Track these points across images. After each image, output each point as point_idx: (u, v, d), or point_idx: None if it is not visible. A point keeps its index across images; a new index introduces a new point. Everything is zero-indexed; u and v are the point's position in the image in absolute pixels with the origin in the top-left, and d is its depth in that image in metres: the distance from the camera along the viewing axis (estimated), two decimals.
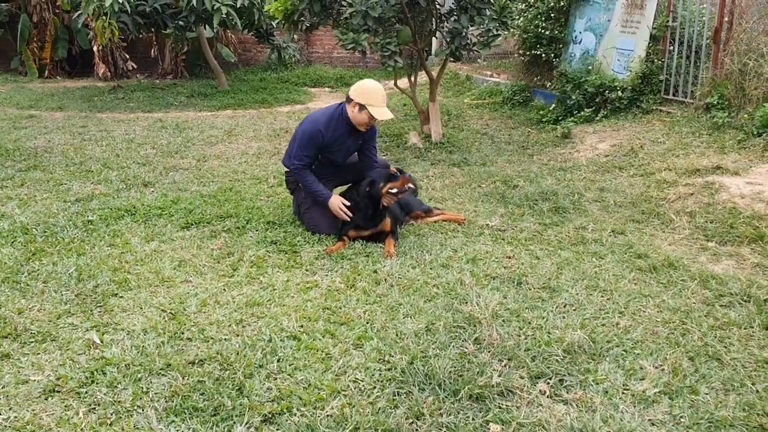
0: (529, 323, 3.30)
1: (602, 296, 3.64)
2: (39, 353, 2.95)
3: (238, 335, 3.12)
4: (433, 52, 11.35)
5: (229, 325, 3.21)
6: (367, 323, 3.27)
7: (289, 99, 10.87)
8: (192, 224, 4.67)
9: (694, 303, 3.58)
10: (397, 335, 3.15)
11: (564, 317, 3.38)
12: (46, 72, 13.62)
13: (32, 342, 3.04)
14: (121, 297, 3.52)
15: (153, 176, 6.01)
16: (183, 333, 3.13)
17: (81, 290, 3.56)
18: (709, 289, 3.73)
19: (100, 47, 12.73)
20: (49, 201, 5.16)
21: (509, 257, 4.17)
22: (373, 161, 4.69)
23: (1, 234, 4.38)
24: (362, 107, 4.33)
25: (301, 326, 3.21)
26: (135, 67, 13.48)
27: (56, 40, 13.65)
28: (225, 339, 3.08)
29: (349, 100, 4.39)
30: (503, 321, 3.31)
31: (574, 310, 3.47)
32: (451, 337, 3.14)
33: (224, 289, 3.63)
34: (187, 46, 13.50)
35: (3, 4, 13.47)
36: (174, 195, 5.38)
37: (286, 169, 4.70)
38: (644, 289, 3.75)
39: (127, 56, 13.39)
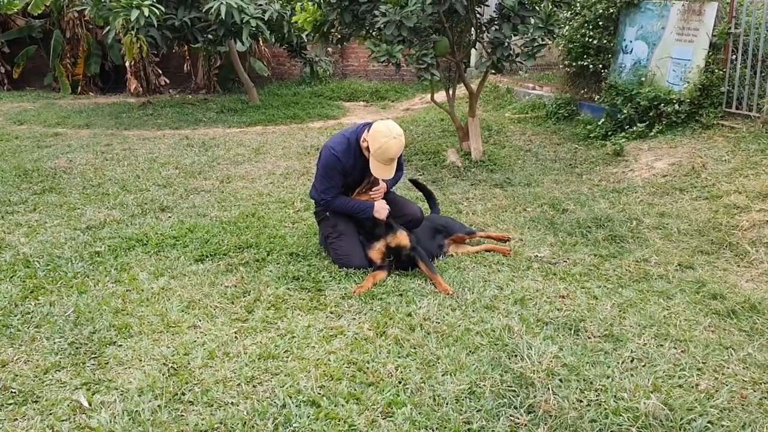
0: (592, 384, 2.84)
1: (675, 348, 3.18)
2: (17, 419, 2.55)
3: (247, 398, 2.68)
4: (472, 63, 10.91)
5: (238, 384, 2.79)
6: (400, 383, 2.81)
7: (321, 114, 10.65)
8: (207, 256, 4.35)
9: None
10: (434, 400, 2.69)
11: (632, 375, 2.92)
12: (79, 88, 13.57)
13: (11, 404, 2.65)
14: (120, 346, 3.13)
15: (172, 200, 5.72)
16: (184, 394, 2.71)
17: (76, 337, 3.18)
18: None
19: (132, 63, 12.61)
20: (58, 229, 4.85)
21: (563, 297, 3.76)
22: (395, 180, 4.47)
23: (1, 268, 4.04)
24: (368, 150, 4.07)
25: (322, 387, 2.76)
26: (168, 82, 13.37)
27: (89, 55, 13.59)
28: (232, 403, 2.65)
29: (368, 128, 4.11)
30: (560, 381, 2.85)
31: (643, 365, 3.02)
32: (499, 403, 2.66)
33: (236, 337, 3.23)
34: (220, 60, 13.34)
35: (36, 21, 13.47)
36: (191, 222, 5.08)
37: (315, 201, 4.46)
38: (724, 338, 3.28)
39: (160, 71, 13.29)
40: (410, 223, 4.35)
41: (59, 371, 2.90)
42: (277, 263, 4.22)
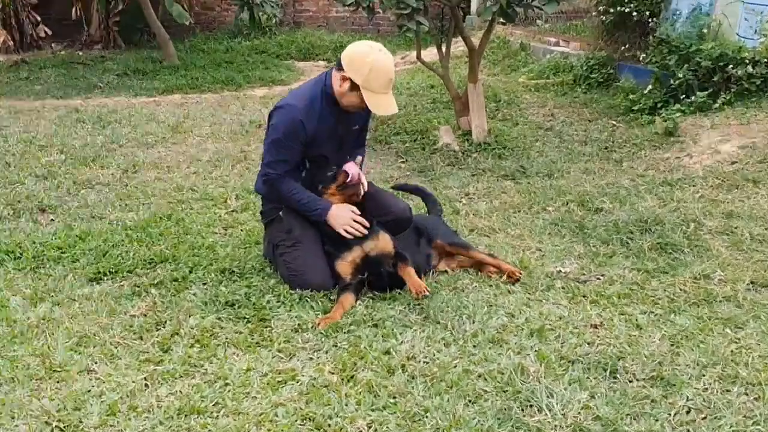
0: None
1: (746, 394, 3.27)
2: None
3: None
4: (473, 9, 11.01)
5: None
6: None
7: (265, 77, 10.68)
8: (105, 274, 4.38)
9: None
10: None
11: (689, 431, 2.96)
12: None
13: None
14: None
15: (55, 196, 5.75)
16: None
17: None
18: None
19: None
20: None
21: (595, 327, 3.86)
22: (359, 147, 4.67)
23: None
24: (354, 86, 4.13)
25: None
26: (49, 33, 13.30)
27: None
28: None
29: (338, 67, 4.20)
30: None
31: (704, 418, 3.10)
32: None
33: (146, 385, 3.26)
34: (123, 4, 13.25)
35: None
36: (83, 227, 5.11)
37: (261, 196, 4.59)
38: None
39: (38, 19, 13.21)
40: (396, 224, 4.43)
41: None
42: (204, 283, 4.25)
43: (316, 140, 4.28)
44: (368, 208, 4.30)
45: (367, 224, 4.19)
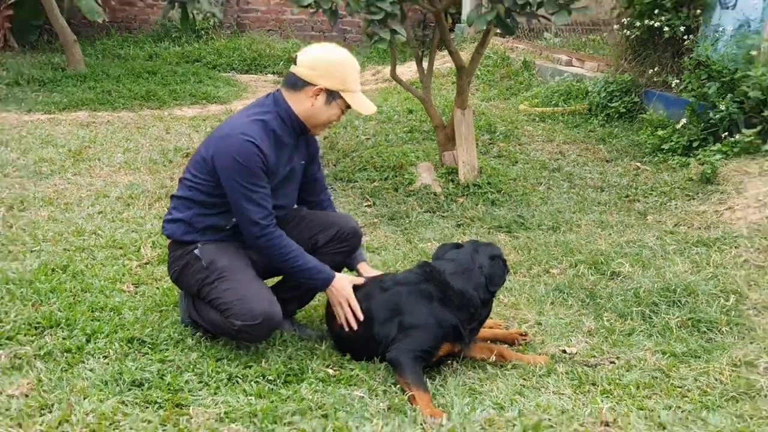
0: None
1: None
2: None
3: None
4: (464, 17, 11.15)
5: None
6: None
7: (198, 93, 10.73)
8: None
9: None
10: None
11: None
12: None
13: None
14: None
15: None
16: None
17: None
18: None
19: None
20: None
21: (607, 424, 3.84)
22: (324, 190, 4.92)
23: None
24: (332, 95, 4.36)
25: None
26: None
27: None
28: None
29: (299, 83, 4.39)
30: None
31: None
32: None
33: None
34: None
35: None
36: None
37: (170, 239, 4.57)
38: None
39: None
40: (343, 242, 4.58)
41: None
42: (104, 356, 4.20)
43: (274, 170, 4.37)
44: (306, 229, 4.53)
45: (360, 316, 4.33)
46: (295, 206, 4.74)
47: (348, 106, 4.41)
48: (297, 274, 4.40)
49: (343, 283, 4.37)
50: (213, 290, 4.31)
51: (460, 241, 4.79)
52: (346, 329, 4.32)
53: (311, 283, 4.44)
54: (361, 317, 4.30)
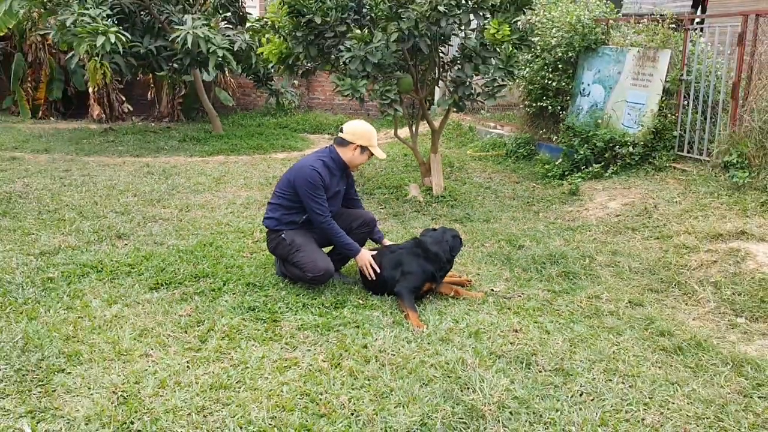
0: (541, 417, 2.89)
1: (623, 383, 3.25)
2: None
3: (197, 428, 2.66)
4: (435, 101, 11.11)
5: (189, 414, 2.76)
6: (352, 414, 2.83)
7: (285, 145, 10.65)
8: (162, 285, 4.30)
9: (728, 393, 3.18)
10: (386, 431, 2.69)
11: (581, 409, 2.99)
12: (40, 113, 13.35)
13: None
14: (69, 373, 3.08)
15: (129, 227, 5.64)
16: (133, 423, 2.68)
17: (23, 364, 3.11)
18: (744, 377, 3.35)
19: (96, 89, 12.50)
20: (10, 254, 4.75)
21: (516, 331, 3.81)
22: (358, 203, 4.82)
23: None
24: (364, 149, 4.43)
25: (273, 418, 2.76)
26: (131, 109, 13.24)
27: (51, 80, 13.42)
28: None
29: (344, 142, 4.43)
30: (511, 414, 2.90)
31: (592, 399, 3.08)
32: None
33: (188, 367, 3.20)
34: (185, 89, 13.29)
35: None
36: (148, 249, 5.02)
37: (267, 229, 4.52)
38: (670, 374, 3.36)
39: (123, 98, 13.15)
40: (365, 226, 4.59)
41: (3, 398, 2.83)
42: (233, 293, 4.19)
43: (329, 191, 4.37)
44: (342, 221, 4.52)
45: (378, 270, 4.27)
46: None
47: (371, 155, 4.46)
48: (341, 246, 4.37)
49: (365, 253, 4.33)
50: (294, 256, 4.28)
51: (434, 227, 4.75)
52: (369, 278, 4.31)
53: (348, 253, 4.39)
54: (378, 271, 4.26)
